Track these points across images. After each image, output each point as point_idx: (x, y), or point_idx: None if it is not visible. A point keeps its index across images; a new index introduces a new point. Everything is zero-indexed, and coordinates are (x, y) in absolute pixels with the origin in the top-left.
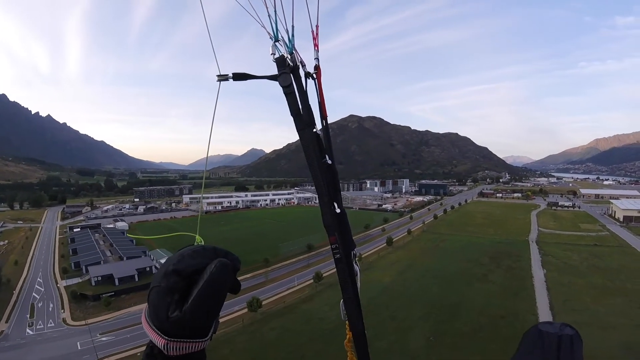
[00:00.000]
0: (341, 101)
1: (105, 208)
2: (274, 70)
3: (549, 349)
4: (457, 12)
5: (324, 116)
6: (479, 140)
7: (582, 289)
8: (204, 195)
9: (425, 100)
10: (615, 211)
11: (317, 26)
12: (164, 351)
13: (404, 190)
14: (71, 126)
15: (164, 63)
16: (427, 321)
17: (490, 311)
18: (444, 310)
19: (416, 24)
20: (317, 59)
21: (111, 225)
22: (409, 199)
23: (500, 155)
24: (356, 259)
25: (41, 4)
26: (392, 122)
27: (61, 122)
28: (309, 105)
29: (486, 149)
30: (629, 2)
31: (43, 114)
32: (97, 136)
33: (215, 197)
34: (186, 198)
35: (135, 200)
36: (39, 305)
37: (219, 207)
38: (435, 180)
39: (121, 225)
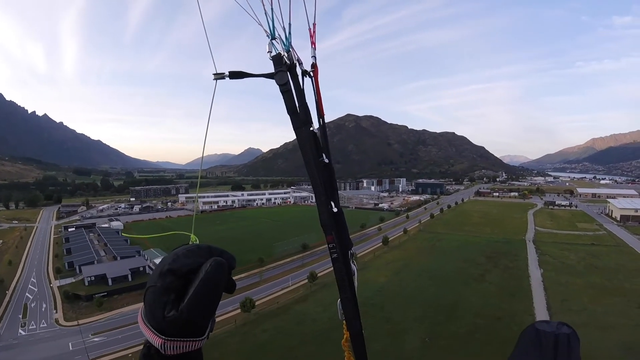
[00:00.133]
0: (338, 101)
1: (100, 207)
2: (271, 69)
3: (546, 347)
4: (454, 11)
5: (321, 114)
6: (476, 140)
7: (580, 288)
8: (199, 194)
9: (422, 99)
10: (612, 210)
11: (314, 24)
12: (162, 350)
13: (400, 190)
14: (68, 126)
15: (161, 63)
16: (422, 322)
17: (487, 312)
18: (440, 311)
19: (412, 23)
20: (314, 57)
21: (106, 225)
22: (406, 198)
23: (497, 155)
24: (353, 258)
25: (37, 4)
26: (389, 122)
27: (58, 121)
28: (306, 103)
29: (483, 148)
30: (626, 1)
31: (39, 113)
32: (93, 135)
33: (211, 197)
34: (182, 197)
35: (131, 199)
36: (32, 305)
37: (214, 207)
38: (432, 180)
39: (116, 224)
